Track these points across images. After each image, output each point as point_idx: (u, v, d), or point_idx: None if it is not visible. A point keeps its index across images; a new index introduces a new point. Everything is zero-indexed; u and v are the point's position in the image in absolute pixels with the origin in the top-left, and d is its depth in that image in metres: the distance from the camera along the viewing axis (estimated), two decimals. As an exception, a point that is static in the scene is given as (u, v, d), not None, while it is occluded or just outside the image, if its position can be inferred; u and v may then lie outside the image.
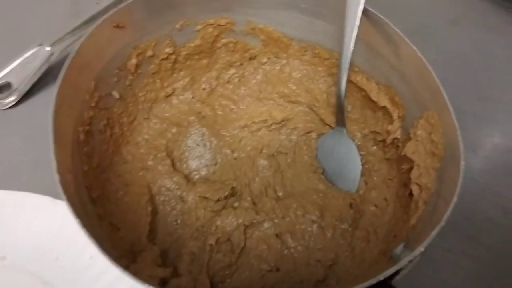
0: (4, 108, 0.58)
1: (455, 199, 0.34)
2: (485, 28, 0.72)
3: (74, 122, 0.40)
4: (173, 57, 0.52)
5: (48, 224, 0.47)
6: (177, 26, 0.50)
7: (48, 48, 0.60)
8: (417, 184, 0.41)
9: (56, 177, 0.33)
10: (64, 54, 0.61)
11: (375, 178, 0.49)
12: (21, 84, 0.58)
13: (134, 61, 0.48)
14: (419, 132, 0.42)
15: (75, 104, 0.41)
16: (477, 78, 0.65)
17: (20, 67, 0.59)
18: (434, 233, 0.32)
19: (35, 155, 0.54)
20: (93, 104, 0.44)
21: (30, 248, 0.46)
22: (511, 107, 0.62)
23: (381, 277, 0.30)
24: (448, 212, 0.33)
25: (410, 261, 0.32)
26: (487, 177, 0.55)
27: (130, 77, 0.49)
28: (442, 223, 0.33)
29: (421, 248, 0.32)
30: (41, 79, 0.60)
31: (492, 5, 0.75)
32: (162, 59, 0.51)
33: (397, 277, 0.33)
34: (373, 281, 0.30)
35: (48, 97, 0.58)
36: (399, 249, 0.38)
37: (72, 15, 0.70)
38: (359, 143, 0.52)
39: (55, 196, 0.48)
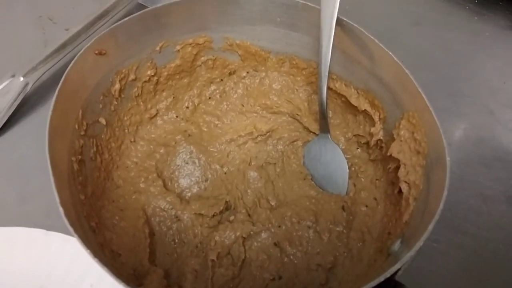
0: (-18, 143, 0.56)
1: (445, 192, 0.36)
2: (446, 26, 0.76)
3: (67, 152, 0.40)
4: (154, 78, 0.53)
5: (42, 257, 0.46)
6: (157, 48, 0.51)
7: (21, 79, 0.59)
8: (405, 182, 0.43)
9: (61, 210, 0.33)
10: (39, 83, 0.61)
11: (362, 179, 0.51)
12: (-3, 118, 0.57)
13: (117, 86, 0.49)
14: (402, 132, 0.44)
15: (66, 134, 0.41)
16: (443, 75, 0.69)
17: (-6, 100, 0.58)
18: (430, 227, 0.34)
19: (20, 188, 0.53)
20: (82, 133, 0.44)
21: (26, 284, 0.45)
22: (477, 100, 0.66)
23: (387, 274, 0.32)
24: (441, 206, 0.35)
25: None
26: (463, 167, 0.58)
27: (115, 102, 0.50)
28: (437, 216, 0.35)
29: (420, 243, 0.33)
30: (17, 110, 0.58)
31: (451, 4, 0.79)
32: (144, 82, 0.52)
33: (399, 272, 0.35)
34: (381, 278, 0.31)
35: (27, 129, 0.59)
36: (396, 245, 0.39)
37: (43, 43, 0.69)
38: (343, 147, 0.54)
39: (46, 228, 0.47)
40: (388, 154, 0.45)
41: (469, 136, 0.61)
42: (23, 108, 0.60)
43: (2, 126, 0.57)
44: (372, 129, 0.49)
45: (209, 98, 0.58)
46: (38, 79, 0.60)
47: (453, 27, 0.76)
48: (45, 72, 0.60)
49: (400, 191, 0.44)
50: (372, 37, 0.45)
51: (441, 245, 0.51)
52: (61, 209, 0.33)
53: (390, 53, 0.44)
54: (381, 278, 0.32)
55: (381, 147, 0.49)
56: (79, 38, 0.64)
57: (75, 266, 0.46)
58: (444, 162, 0.37)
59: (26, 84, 0.59)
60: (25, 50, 0.68)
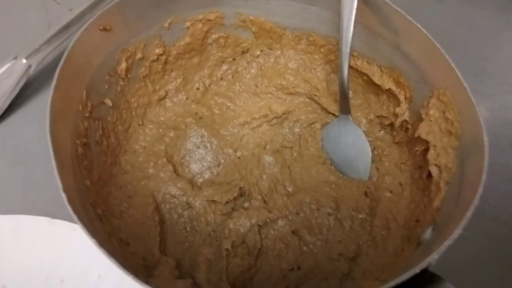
0: (-16, 128, 0.54)
1: (484, 176, 0.33)
2: (469, 2, 0.72)
3: (70, 135, 0.37)
4: (163, 57, 0.50)
5: (48, 246, 0.45)
6: (166, 24, 0.48)
7: (24, 61, 0.56)
8: (436, 165, 0.40)
9: (63, 196, 0.30)
10: (42, 66, 0.58)
11: (386, 163, 0.48)
12: (-1, 102, 0.55)
13: (123, 65, 0.46)
14: (431, 111, 0.41)
15: (69, 116, 0.38)
16: (468, 54, 0.65)
17: (-4, 83, 0.55)
18: (469, 213, 0.31)
19: (24, 176, 0.51)
20: (87, 115, 0.41)
21: (32, 274, 0.44)
22: (505, 79, 0.62)
23: (423, 265, 0.29)
24: (480, 191, 0.32)
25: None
26: (493, 151, 0.54)
27: (121, 83, 0.47)
28: (476, 202, 0.32)
29: (458, 231, 0.31)
30: (20, 94, 0.57)
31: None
32: (152, 61, 0.49)
33: (433, 263, 0.32)
34: (416, 269, 0.29)
35: (30, 113, 0.57)
36: (427, 233, 0.36)
37: (46, 24, 0.67)
38: (365, 129, 0.51)
39: (52, 216, 0.46)
40: (416, 135, 0.42)
41: (497, 118, 0.58)
42: (26, 91, 0.58)
43: (5, 110, 0.56)
44: (397, 109, 0.46)
45: (221, 78, 0.55)
46: (41, 61, 0.58)
47: (477, 2, 0.73)
48: (48, 54, 0.58)
49: (429, 175, 0.41)
50: (398, 9, 0.42)
51: (471, 233, 0.47)
52: (63, 195, 0.30)
53: (419, 25, 0.41)
54: (417, 269, 0.29)
55: (407, 128, 0.46)
56: (83, 19, 0.61)
57: (81, 255, 0.44)
58: (482, 143, 0.35)
59: (29, 67, 0.57)
60: (28, 32, 0.66)
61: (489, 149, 0.54)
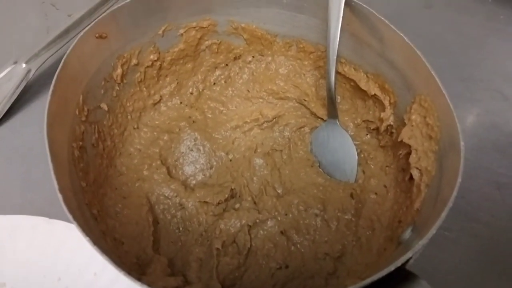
0: (-16, 131, 0.56)
1: (459, 179, 0.34)
2: (458, 9, 0.74)
3: (67, 138, 0.39)
4: (157, 63, 0.51)
5: (46, 245, 0.46)
6: (160, 31, 0.49)
7: (24, 65, 0.58)
8: (417, 168, 0.41)
9: (60, 197, 0.32)
10: (41, 71, 0.60)
11: (372, 166, 0.50)
12: (-1, 105, 0.56)
13: (119, 71, 0.47)
14: (413, 117, 0.43)
15: (66, 120, 0.40)
16: (455, 59, 0.67)
17: (-4, 87, 0.57)
18: (443, 214, 0.33)
19: (23, 176, 0.53)
20: (83, 119, 0.43)
21: (30, 272, 0.45)
22: (491, 85, 0.64)
23: (398, 263, 0.30)
24: (454, 193, 0.33)
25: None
26: (477, 154, 0.56)
27: (117, 88, 0.48)
28: (450, 204, 0.33)
29: (432, 231, 0.32)
30: (20, 97, 0.58)
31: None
32: (147, 67, 0.51)
33: (410, 261, 0.33)
34: (391, 267, 0.30)
35: (29, 116, 0.58)
36: (407, 233, 0.38)
37: (45, 29, 0.68)
38: (352, 133, 0.52)
39: (49, 216, 0.47)
40: (399, 139, 0.44)
41: (483, 122, 0.60)
42: (26, 95, 0.60)
43: (5, 114, 0.57)
44: (382, 114, 0.48)
45: (214, 83, 0.57)
46: (40, 66, 0.59)
47: (466, 10, 0.74)
48: (47, 59, 0.60)
49: (411, 178, 0.42)
50: (383, 19, 0.43)
51: (454, 234, 0.49)
52: (60, 196, 0.32)
53: (402, 35, 0.42)
54: (392, 267, 0.30)
55: (392, 132, 0.48)
56: (81, 24, 0.63)
57: (78, 254, 0.45)
58: (458, 147, 0.36)
59: (29, 71, 0.58)
60: (27, 37, 0.67)
61: (473, 152, 0.56)
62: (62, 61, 0.39)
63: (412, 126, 0.43)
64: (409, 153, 0.43)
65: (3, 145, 0.55)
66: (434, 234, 0.32)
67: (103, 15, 0.43)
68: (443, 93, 0.38)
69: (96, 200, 0.42)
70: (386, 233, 0.44)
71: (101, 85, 0.46)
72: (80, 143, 0.41)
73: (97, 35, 0.43)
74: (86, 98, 0.43)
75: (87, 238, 0.31)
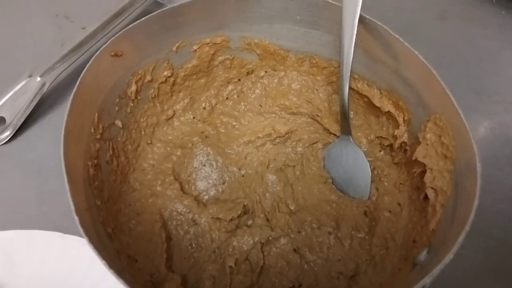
0: (-1, 144, 0.56)
1: (476, 202, 0.34)
2: (471, 21, 0.73)
3: (82, 157, 0.39)
4: (171, 79, 0.52)
5: (60, 260, 0.46)
6: (174, 48, 0.50)
7: (38, 79, 0.59)
8: (432, 188, 0.41)
9: (76, 220, 0.32)
10: (56, 84, 0.61)
11: (385, 183, 0.49)
12: (14, 118, 0.57)
13: (133, 87, 0.48)
14: (428, 135, 0.42)
15: (81, 139, 0.40)
16: (469, 72, 0.66)
17: (11, 101, 0.57)
18: (460, 239, 0.32)
19: (37, 189, 0.53)
20: (98, 136, 0.43)
21: (45, 287, 0.45)
22: (505, 98, 0.63)
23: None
24: (471, 216, 0.33)
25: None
26: (491, 169, 0.55)
27: (131, 104, 0.49)
28: (467, 228, 0.33)
29: (450, 256, 0.32)
30: (34, 110, 0.58)
31: (476, -3, 0.76)
32: (161, 83, 0.51)
33: (426, 286, 0.33)
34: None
35: (44, 129, 0.59)
36: (423, 255, 0.38)
37: (59, 42, 0.69)
38: (365, 149, 0.52)
39: (63, 230, 0.47)
40: (413, 158, 0.44)
41: (497, 136, 0.59)
42: (40, 108, 0.60)
43: (20, 127, 0.57)
44: (396, 131, 0.47)
45: (227, 98, 0.57)
46: (55, 79, 0.60)
47: (479, 22, 0.73)
48: (62, 72, 0.60)
49: (426, 197, 0.42)
50: (397, 36, 0.43)
51: (468, 251, 0.49)
52: (76, 218, 0.32)
53: (416, 52, 0.42)
54: (409, 293, 0.30)
55: (406, 150, 0.47)
56: (96, 37, 0.64)
57: (92, 270, 0.45)
58: (475, 168, 0.35)
59: (43, 84, 0.59)
60: (42, 50, 0.68)
61: (487, 167, 0.55)
62: (78, 80, 0.40)
63: (427, 144, 0.42)
64: (423, 172, 0.43)
65: (18, 158, 0.56)
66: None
67: (118, 33, 0.44)
68: (459, 112, 0.38)
69: (110, 217, 0.42)
70: (400, 252, 0.44)
71: (116, 102, 0.46)
72: (95, 161, 0.42)
73: (112, 54, 0.44)
74: (101, 115, 0.44)
75: (103, 261, 0.31)
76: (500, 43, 0.70)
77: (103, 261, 0.31)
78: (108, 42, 0.43)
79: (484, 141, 0.59)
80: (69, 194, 0.33)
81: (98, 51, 0.42)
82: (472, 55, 0.69)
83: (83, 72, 0.40)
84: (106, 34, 0.65)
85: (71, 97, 0.38)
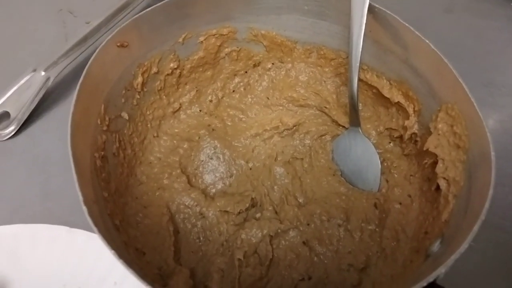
0: (4, 139, 0.56)
1: (491, 191, 0.33)
2: (479, 13, 0.73)
3: (89, 149, 0.39)
4: (177, 71, 0.51)
5: (66, 254, 0.45)
6: (180, 39, 0.49)
7: (43, 73, 0.58)
8: (444, 178, 0.40)
9: (84, 209, 0.31)
10: (60, 78, 0.60)
11: (395, 175, 0.49)
12: (19, 113, 0.56)
13: (140, 79, 0.47)
14: (439, 125, 0.42)
15: (88, 130, 0.39)
16: (477, 64, 0.66)
17: (16, 95, 0.57)
18: (475, 227, 0.32)
19: (42, 185, 0.52)
20: (104, 128, 0.42)
21: (50, 282, 0.44)
22: (515, 90, 0.63)
23: (430, 278, 0.30)
24: (486, 205, 0.33)
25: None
26: (502, 162, 0.54)
27: (137, 96, 0.48)
28: (482, 217, 0.32)
29: (465, 245, 0.31)
30: (39, 105, 0.58)
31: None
32: (167, 75, 0.51)
33: (441, 276, 0.32)
34: (423, 283, 0.29)
35: (49, 124, 0.58)
36: (436, 246, 0.37)
37: (64, 37, 0.69)
38: (375, 141, 0.52)
39: (69, 224, 0.46)
40: (425, 148, 0.43)
41: (507, 129, 0.58)
42: (45, 103, 0.59)
43: (24, 121, 0.57)
44: (406, 122, 0.47)
45: (233, 91, 0.57)
46: (59, 73, 0.59)
47: (487, 14, 0.73)
48: (66, 66, 0.60)
49: (437, 188, 0.42)
50: (407, 25, 0.43)
51: (480, 245, 0.47)
52: (84, 208, 0.31)
53: (427, 41, 0.41)
54: (424, 283, 0.29)
55: (416, 141, 0.47)
56: (100, 31, 0.63)
57: (98, 263, 0.45)
58: (489, 157, 0.35)
59: (48, 79, 0.58)
60: (46, 44, 0.67)
61: (498, 160, 0.55)
62: (85, 70, 0.39)
63: (439, 135, 0.42)
64: (435, 163, 0.42)
65: (23, 152, 0.55)
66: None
67: (125, 23, 0.43)
68: (472, 101, 0.38)
69: (117, 210, 0.42)
70: (411, 244, 0.43)
71: (122, 94, 0.46)
72: (102, 152, 0.41)
73: (118, 44, 0.43)
74: (107, 107, 0.43)
75: (113, 251, 0.30)
76: (508, 35, 0.69)
77: (112, 251, 0.30)
78: (114, 32, 0.42)
79: (494, 134, 0.57)
80: (77, 185, 0.33)
81: (104, 41, 0.42)
82: (479, 47, 0.68)
83: (89, 63, 0.40)
84: (110, 28, 0.64)
85: (78, 87, 0.38)
